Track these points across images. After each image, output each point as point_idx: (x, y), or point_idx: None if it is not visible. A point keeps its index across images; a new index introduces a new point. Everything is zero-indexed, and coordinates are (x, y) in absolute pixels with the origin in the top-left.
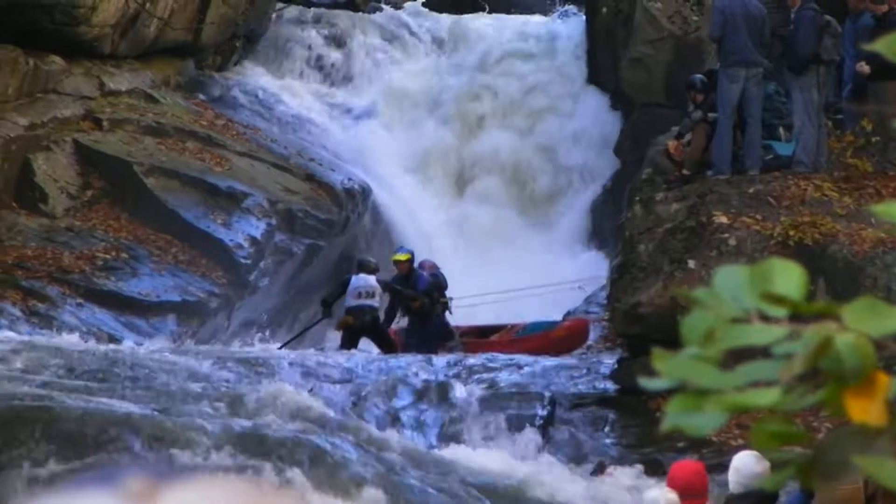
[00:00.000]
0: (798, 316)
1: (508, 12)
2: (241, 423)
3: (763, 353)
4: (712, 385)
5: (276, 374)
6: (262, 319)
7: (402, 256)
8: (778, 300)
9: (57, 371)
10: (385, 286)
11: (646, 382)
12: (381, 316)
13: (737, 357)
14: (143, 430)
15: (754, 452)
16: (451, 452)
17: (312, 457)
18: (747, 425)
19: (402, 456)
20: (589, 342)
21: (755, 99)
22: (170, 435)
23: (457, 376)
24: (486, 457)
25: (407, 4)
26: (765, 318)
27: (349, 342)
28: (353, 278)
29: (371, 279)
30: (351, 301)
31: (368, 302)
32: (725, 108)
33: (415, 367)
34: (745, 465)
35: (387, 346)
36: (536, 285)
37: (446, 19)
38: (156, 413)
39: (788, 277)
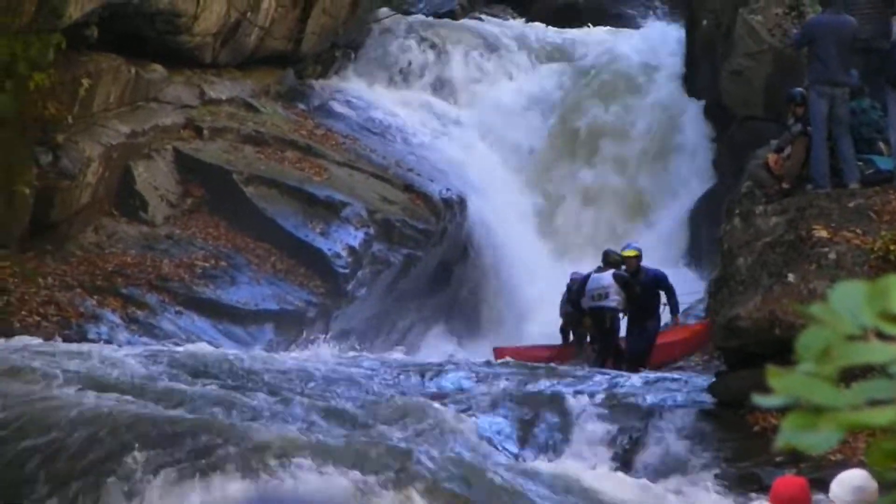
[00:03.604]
0: None
1: (605, 25)
2: (340, 433)
3: (878, 371)
4: (828, 403)
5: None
6: (359, 329)
7: (630, 253)
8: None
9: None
10: (620, 280)
11: (760, 399)
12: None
13: (849, 375)
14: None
15: (861, 471)
16: (548, 464)
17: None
18: (847, 440)
19: (501, 469)
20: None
21: (841, 119)
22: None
23: (553, 387)
24: (580, 469)
25: (509, 16)
26: (882, 336)
27: (599, 345)
28: (591, 277)
29: (605, 278)
30: (587, 303)
31: (601, 303)
32: (818, 124)
33: (506, 375)
34: (851, 483)
35: (608, 349)
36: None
37: (548, 32)
38: (267, 424)
39: None
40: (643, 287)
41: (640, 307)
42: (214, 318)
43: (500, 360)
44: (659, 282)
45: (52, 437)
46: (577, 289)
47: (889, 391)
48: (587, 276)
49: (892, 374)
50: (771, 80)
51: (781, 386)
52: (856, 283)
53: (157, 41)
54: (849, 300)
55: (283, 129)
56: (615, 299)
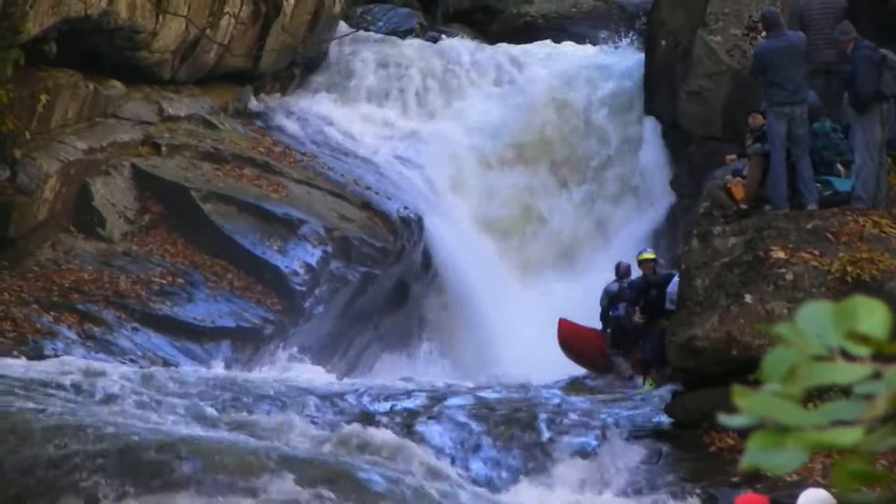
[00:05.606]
0: (881, 355)
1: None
2: (300, 450)
3: (844, 391)
4: (794, 423)
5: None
6: (315, 346)
7: (649, 255)
8: (862, 339)
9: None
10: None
11: (725, 419)
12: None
13: (808, 395)
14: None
15: (823, 491)
16: (506, 485)
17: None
18: None
19: (456, 492)
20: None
21: (800, 139)
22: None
23: (513, 405)
24: (537, 490)
25: (466, 35)
26: (847, 357)
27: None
28: (675, 280)
29: None
30: (669, 305)
31: None
32: (776, 144)
33: (461, 395)
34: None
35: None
36: None
37: (507, 50)
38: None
39: (873, 316)
40: (658, 288)
41: (657, 309)
42: (171, 334)
43: (561, 335)
44: (672, 281)
45: (3, 451)
46: (664, 281)
47: (854, 412)
48: (670, 276)
49: (857, 394)
50: (729, 100)
51: (747, 405)
52: (822, 304)
53: (115, 57)
54: (815, 321)
55: (241, 147)
56: None
